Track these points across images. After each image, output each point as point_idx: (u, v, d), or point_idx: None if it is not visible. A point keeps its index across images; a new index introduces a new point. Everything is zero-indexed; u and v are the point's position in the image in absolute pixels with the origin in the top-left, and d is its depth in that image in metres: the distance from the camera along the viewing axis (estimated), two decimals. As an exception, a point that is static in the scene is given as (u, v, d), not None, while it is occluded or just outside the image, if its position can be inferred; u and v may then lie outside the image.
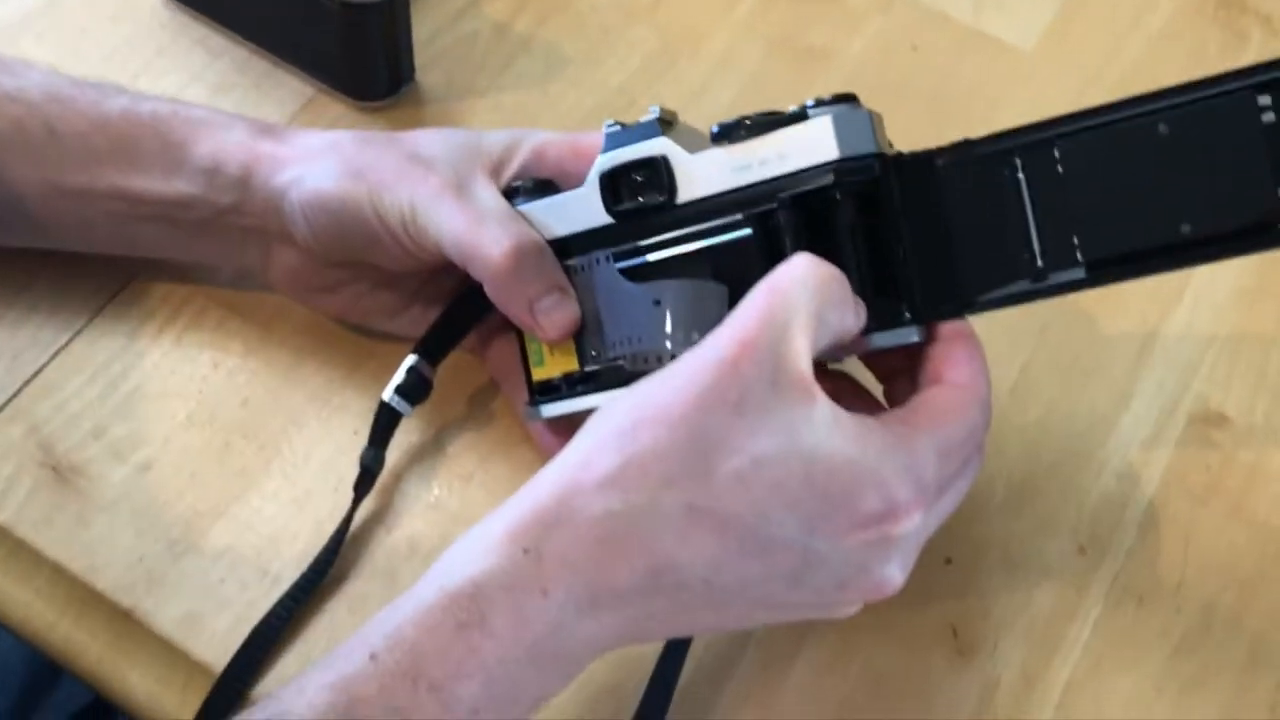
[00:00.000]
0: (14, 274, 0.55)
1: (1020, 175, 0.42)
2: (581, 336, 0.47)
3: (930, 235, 0.43)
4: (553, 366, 0.48)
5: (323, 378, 0.54)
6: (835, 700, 0.48)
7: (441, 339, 0.50)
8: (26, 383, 0.53)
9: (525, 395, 0.50)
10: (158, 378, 0.54)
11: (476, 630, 0.36)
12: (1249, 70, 0.38)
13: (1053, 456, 0.53)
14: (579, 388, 0.47)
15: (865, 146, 0.42)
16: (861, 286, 0.42)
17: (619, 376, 0.45)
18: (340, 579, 0.49)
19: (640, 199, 0.45)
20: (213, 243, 0.52)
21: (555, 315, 0.46)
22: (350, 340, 0.55)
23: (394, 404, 0.49)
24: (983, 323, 0.56)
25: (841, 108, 0.42)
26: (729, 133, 0.43)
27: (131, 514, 0.51)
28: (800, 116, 0.42)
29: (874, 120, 0.42)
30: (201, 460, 0.52)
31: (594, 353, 0.47)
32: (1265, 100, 0.38)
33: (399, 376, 0.49)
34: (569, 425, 0.43)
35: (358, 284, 0.52)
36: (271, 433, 0.53)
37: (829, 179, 0.42)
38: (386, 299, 0.52)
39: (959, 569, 0.50)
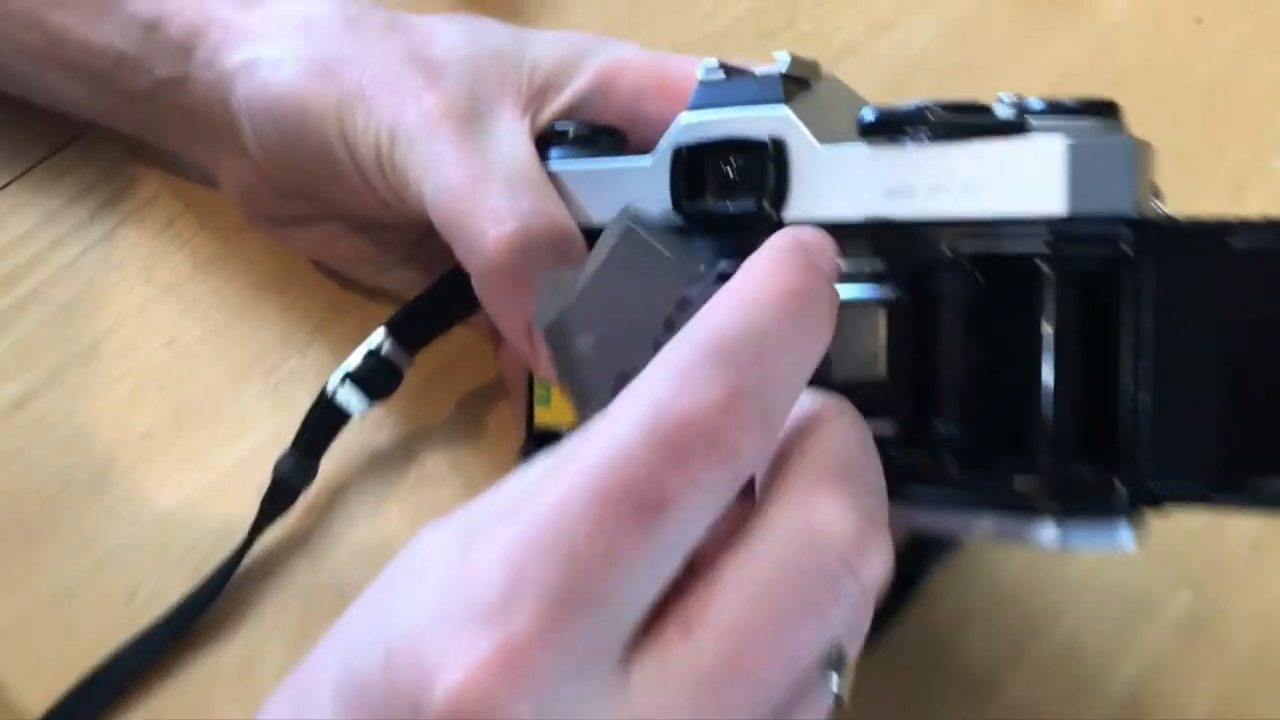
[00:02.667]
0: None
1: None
2: None
3: (1190, 362, 0.26)
4: (560, 411, 0.32)
5: (281, 330, 0.40)
6: None
7: (424, 321, 0.35)
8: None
9: (523, 434, 0.34)
10: (70, 283, 0.41)
11: None
12: None
13: None
14: None
15: (1118, 203, 0.25)
16: (1056, 430, 0.25)
17: None
18: (227, 626, 0.36)
19: (729, 201, 0.28)
20: (151, 124, 0.38)
21: None
22: (331, 284, 0.40)
23: (337, 396, 0.34)
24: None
25: (1088, 125, 0.25)
26: (892, 126, 0.26)
27: (-13, 465, 0.38)
28: (1016, 127, 0.25)
29: (1138, 156, 0.25)
30: (95, 411, 0.39)
31: None
32: None
33: (354, 359, 0.34)
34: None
35: (331, 222, 0.37)
36: (196, 392, 0.39)
37: (1040, 246, 0.25)
38: (370, 248, 0.38)
39: None
